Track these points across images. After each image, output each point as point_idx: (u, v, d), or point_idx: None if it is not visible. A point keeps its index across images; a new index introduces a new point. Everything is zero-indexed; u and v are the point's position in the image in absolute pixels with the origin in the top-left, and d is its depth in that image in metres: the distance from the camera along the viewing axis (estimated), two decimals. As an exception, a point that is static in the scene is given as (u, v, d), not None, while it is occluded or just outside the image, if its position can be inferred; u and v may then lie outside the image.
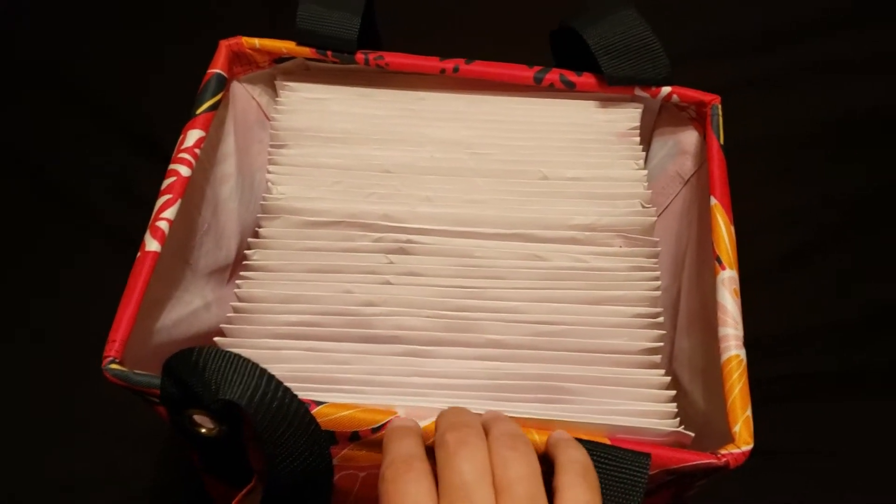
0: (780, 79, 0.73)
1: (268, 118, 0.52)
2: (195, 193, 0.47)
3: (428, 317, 0.41)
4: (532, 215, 0.44)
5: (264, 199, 0.45)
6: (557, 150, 0.47)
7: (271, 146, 0.47)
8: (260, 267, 0.43)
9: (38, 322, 0.62)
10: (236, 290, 0.42)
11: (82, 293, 0.62)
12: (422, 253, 0.42)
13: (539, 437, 0.35)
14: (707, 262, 0.44)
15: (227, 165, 0.50)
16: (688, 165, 0.51)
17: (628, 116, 0.48)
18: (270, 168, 0.46)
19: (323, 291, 0.41)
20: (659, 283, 0.42)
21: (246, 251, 0.44)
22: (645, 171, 0.46)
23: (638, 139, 0.48)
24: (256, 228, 0.44)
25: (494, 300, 0.41)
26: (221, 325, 0.41)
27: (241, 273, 0.43)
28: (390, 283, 0.42)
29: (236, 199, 0.51)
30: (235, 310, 0.42)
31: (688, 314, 0.50)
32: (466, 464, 0.32)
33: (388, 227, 0.43)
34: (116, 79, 0.72)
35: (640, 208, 0.44)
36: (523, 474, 0.32)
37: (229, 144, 0.50)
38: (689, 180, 0.51)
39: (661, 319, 0.41)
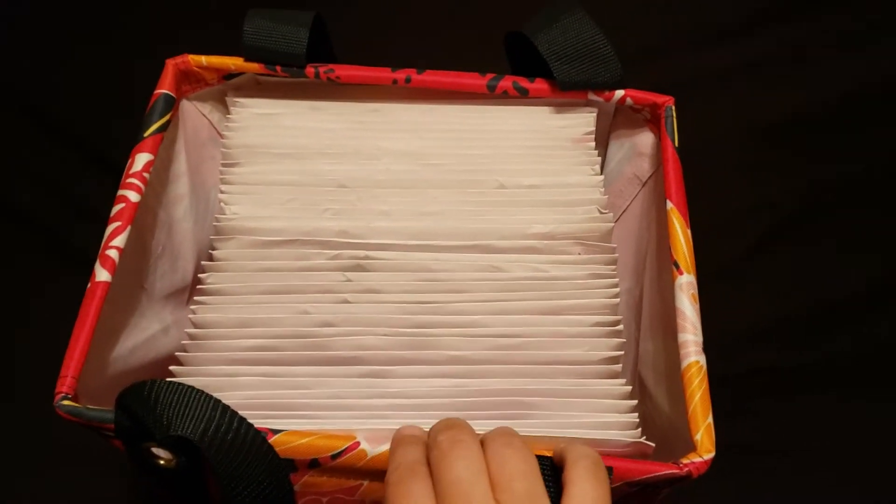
0: (732, 73, 0.73)
1: (220, 135, 0.51)
2: (147, 216, 0.47)
3: (387, 335, 0.40)
4: (490, 225, 0.43)
5: (217, 220, 0.44)
6: (513, 157, 0.46)
7: (223, 165, 0.47)
8: (214, 291, 0.42)
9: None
10: (191, 315, 0.41)
11: (50, 320, 0.61)
12: (380, 269, 0.42)
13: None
14: (667, 265, 0.44)
15: (180, 185, 0.49)
16: (645, 167, 0.51)
17: (583, 122, 0.48)
18: (223, 188, 0.45)
19: (279, 313, 0.41)
20: (618, 290, 0.42)
21: (200, 275, 0.43)
22: (601, 177, 0.45)
23: (593, 144, 0.47)
24: (210, 251, 0.44)
25: (454, 314, 0.41)
26: (177, 354, 0.40)
27: (196, 298, 0.42)
28: (348, 302, 0.41)
29: (191, 220, 0.50)
30: (191, 336, 0.41)
31: (650, 317, 0.50)
32: (461, 461, 0.31)
33: (344, 243, 0.42)
34: (82, 101, 0.70)
35: (598, 214, 0.44)
36: (522, 470, 0.31)
37: (181, 164, 0.49)
38: (646, 182, 0.51)
39: (620, 327, 0.41)
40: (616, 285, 0.42)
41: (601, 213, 0.44)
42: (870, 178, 0.69)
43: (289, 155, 0.46)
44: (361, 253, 0.42)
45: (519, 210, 0.44)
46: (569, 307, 0.41)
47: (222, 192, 0.45)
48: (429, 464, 0.32)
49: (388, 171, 0.45)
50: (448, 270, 0.42)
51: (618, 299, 0.42)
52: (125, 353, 0.45)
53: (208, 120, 0.51)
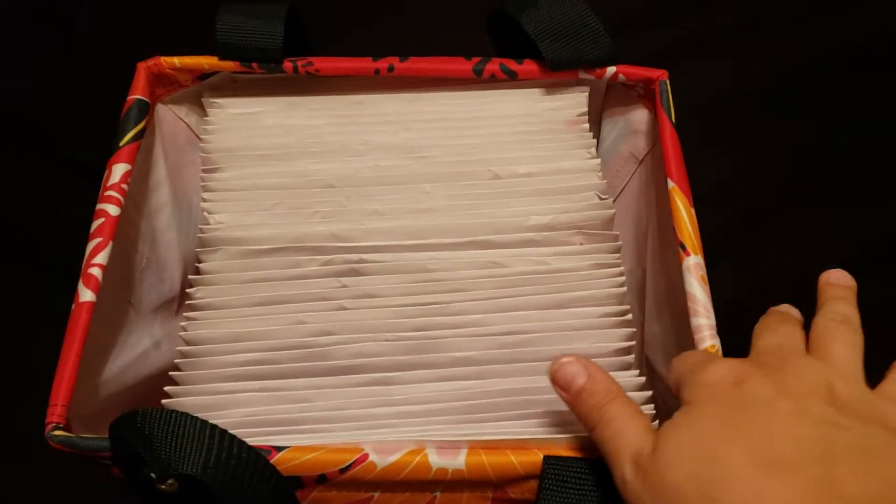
0: (713, 41, 0.71)
1: (199, 138, 0.49)
2: (129, 229, 0.45)
3: (388, 340, 0.39)
4: (486, 219, 0.41)
5: (201, 230, 0.42)
6: (506, 145, 0.44)
7: (203, 171, 0.45)
8: (204, 305, 0.40)
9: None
10: (182, 333, 0.40)
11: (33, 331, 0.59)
12: (375, 272, 0.40)
13: (517, 458, 0.34)
14: (670, 245, 0.42)
15: (161, 194, 0.48)
16: (640, 145, 0.49)
17: (576, 102, 0.46)
18: (205, 195, 0.43)
19: (274, 325, 0.39)
20: (623, 278, 0.40)
21: (188, 289, 0.41)
22: (598, 160, 0.44)
23: (587, 126, 0.46)
24: (196, 264, 0.42)
25: (455, 315, 0.39)
26: (171, 374, 0.39)
27: (186, 314, 0.40)
28: (345, 309, 0.39)
29: (174, 228, 0.49)
30: (183, 354, 0.39)
31: (655, 297, 0.48)
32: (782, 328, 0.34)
33: (336, 247, 0.41)
34: (57, 105, 0.68)
35: (597, 200, 0.42)
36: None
37: (160, 171, 0.47)
38: (643, 160, 0.49)
39: (629, 317, 0.39)
40: (622, 273, 0.40)
41: (601, 198, 0.42)
42: (861, 138, 0.67)
43: (271, 156, 0.44)
44: (355, 256, 0.40)
45: (515, 201, 0.42)
46: (574, 299, 0.39)
47: (204, 199, 0.43)
48: None
49: (377, 166, 0.44)
50: (446, 269, 0.40)
51: (624, 288, 0.40)
52: (117, 373, 0.43)
53: (185, 123, 0.49)
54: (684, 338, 0.39)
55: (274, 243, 0.41)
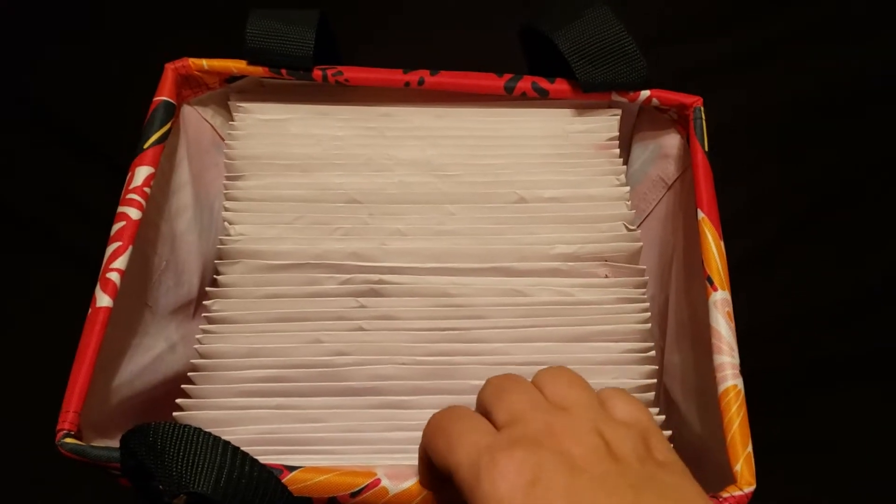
0: (744, 59, 0.69)
1: (223, 140, 0.48)
2: (149, 231, 0.44)
3: (405, 364, 0.38)
4: (510, 245, 0.41)
5: (221, 241, 0.42)
6: (533, 167, 0.44)
7: (227, 178, 0.44)
8: (221, 319, 0.40)
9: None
10: (197, 346, 0.39)
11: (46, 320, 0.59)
12: (395, 294, 0.40)
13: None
14: (696, 275, 0.42)
15: (183, 196, 0.47)
16: (670, 170, 0.48)
17: (607, 126, 0.45)
18: (227, 204, 0.43)
19: (290, 342, 0.39)
20: (648, 314, 0.40)
21: (205, 301, 0.41)
22: (627, 188, 0.43)
23: (618, 151, 0.45)
24: (215, 276, 0.41)
25: (475, 342, 0.38)
26: (184, 387, 0.38)
27: (202, 326, 0.40)
28: (363, 329, 0.39)
29: (195, 231, 0.48)
30: (197, 367, 0.39)
31: (677, 327, 0.47)
32: (515, 395, 0.29)
33: (356, 266, 0.40)
34: (82, 100, 0.68)
35: (625, 231, 0.41)
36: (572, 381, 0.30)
37: (183, 174, 0.47)
38: (672, 185, 0.48)
39: (652, 353, 0.39)
40: (647, 309, 0.40)
41: (628, 229, 0.41)
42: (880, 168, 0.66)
43: (296, 166, 0.44)
44: (375, 277, 0.40)
45: (540, 227, 0.41)
46: (597, 333, 0.39)
47: (226, 209, 0.43)
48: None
49: (402, 183, 0.43)
50: (467, 295, 0.39)
51: (649, 325, 0.39)
52: (131, 377, 0.43)
53: (210, 125, 0.48)
54: (705, 371, 0.38)
55: (294, 259, 0.40)
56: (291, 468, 0.33)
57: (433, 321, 0.39)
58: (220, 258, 0.41)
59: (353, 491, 0.34)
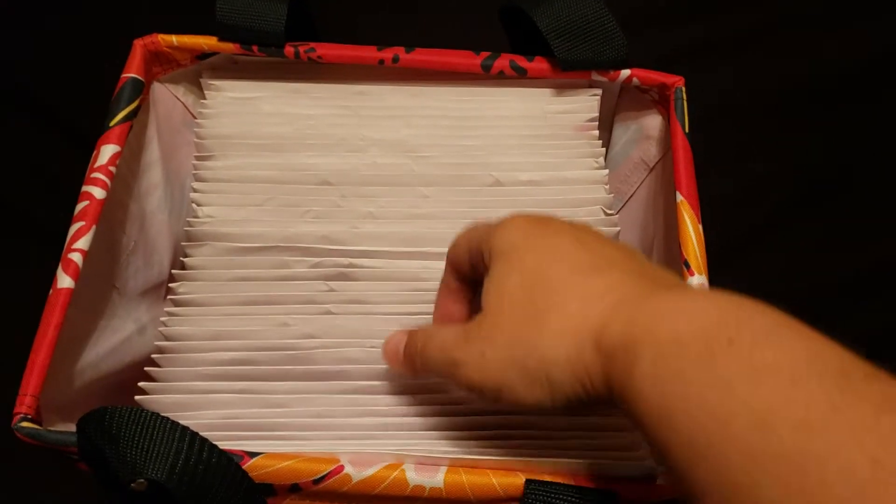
0: (730, 43, 0.68)
1: (195, 118, 0.47)
2: (117, 211, 0.43)
3: (374, 348, 0.37)
4: (484, 229, 0.40)
5: (189, 223, 0.41)
6: (510, 148, 0.43)
7: (196, 157, 0.43)
8: (186, 301, 0.39)
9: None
10: (161, 328, 0.38)
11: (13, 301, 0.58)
12: (365, 278, 0.39)
13: (497, 480, 0.33)
14: (675, 259, 0.41)
15: (153, 175, 0.46)
16: (652, 151, 0.47)
17: (586, 106, 0.44)
18: (195, 185, 0.42)
19: (257, 325, 0.38)
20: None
21: (171, 284, 0.40)
22: (605, 171, 0.42)
23: (596, 132, 0.44)
24: (182, 258, 0.40)
25: None
26: (147, 369, 0.37)
27: (167, 309, 0.39)
28: (332, 314, 0.38)
29: (165, 210, 0.47)
30: (161, 350, 0.38)
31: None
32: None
33: (327, 250, 0.39)
34: (56, 75, 0.66)
35: (603, 216, 0.40)
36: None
37: (153, 152, 0.46)
38: (654, 167, 0.47)
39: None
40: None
41: (606, 214, 0.40)
42: (866, 154, 0.65)
43: (267, 146, 0.43)
44: (345, 261, 0.39)
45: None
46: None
47: (195, 190, 0.42)
48: None
49: (375, 164, 0.42)
50: (438, 279, 0.38)
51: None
52: (96, 360, 0.42)
53: (182, 103, 0.47)
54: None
55: (262, 241, 0.39)
56: (253, 454, 0.33)
57: (404, 305, 0.38)
58: (187, 240, 0.40)
59: (315, 478, 0.33)
